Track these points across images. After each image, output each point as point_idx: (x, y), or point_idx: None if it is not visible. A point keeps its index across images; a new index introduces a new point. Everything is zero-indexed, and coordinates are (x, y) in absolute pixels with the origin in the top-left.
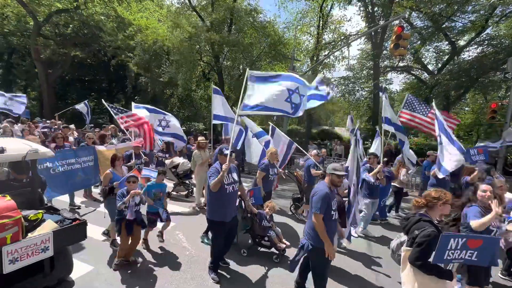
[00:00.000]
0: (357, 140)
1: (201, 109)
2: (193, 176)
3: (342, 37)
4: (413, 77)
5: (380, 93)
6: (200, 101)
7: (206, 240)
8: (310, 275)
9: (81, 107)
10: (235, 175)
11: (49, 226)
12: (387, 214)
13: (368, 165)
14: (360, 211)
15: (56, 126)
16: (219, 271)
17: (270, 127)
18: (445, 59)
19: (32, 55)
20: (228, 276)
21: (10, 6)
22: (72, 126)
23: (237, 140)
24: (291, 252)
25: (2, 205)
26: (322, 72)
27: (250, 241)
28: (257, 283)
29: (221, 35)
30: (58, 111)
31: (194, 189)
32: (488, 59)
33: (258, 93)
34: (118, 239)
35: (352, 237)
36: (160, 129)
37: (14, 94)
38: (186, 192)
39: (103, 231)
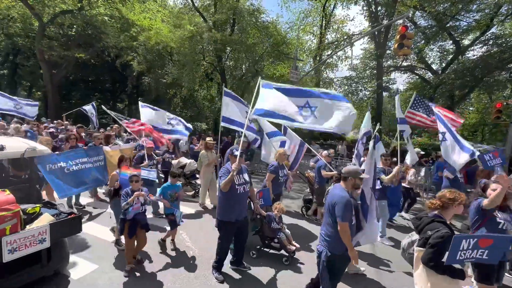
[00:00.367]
0: (376, 142)
1: (204, 109)
2: (198, 176)
3: (345, 37)
4: (417, 77)
5: (395, 95)
6: (202, 101)
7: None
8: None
9: (88, 108)
10: (246, 176)
11: (46, 219)
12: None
13: (381, 166)
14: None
15: (63, 127)
16: (228, 272)
17: (282, 127)
18: (449, 58)
19: (37, 56)
20: (237, 278)
21: (15, 7)
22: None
23: (254, 141)
24: (300, 255)
25: (2, 199)
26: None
27: (260, 243)
28: (266, 286)
29: (223, 34)
30: (63, 111)
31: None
32: (493, 58)
33: (271, 99)
34: (122, 238)
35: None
36: (170, 127)
37: (24, 99)
38: (193, 192)
39: (111, 227)
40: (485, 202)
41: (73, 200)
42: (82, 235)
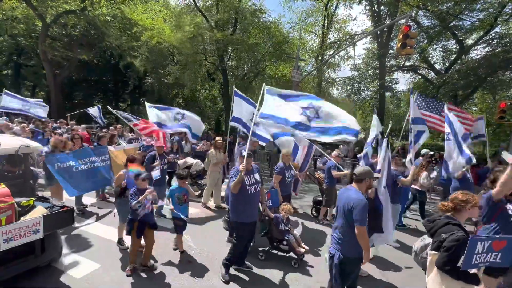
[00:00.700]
0: (388, 142)
1: (205, 108)
2: (206, 176)
3: (348, 37)
4: (420, 77)
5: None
6: (204, 101)
7: (233, 240)
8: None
9: (94, 110)
10: (257, 176)
11: (39, 211)
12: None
13: (394, 168)
14: None
15: (68, 126)
16: (236, 273)
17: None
18: (452, 58)
19: (40, 56)
20: (246, 279)
21: (19, 8)
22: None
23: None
24: (309, 258)
25: None
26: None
27: (268, 245)
28: None
29: (224, 34)
30: (65, 111)
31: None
32: (497, 58)
33: (275, 104)
34: (124, 238)
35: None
36: (176, 122)
37: (34, 100)
38: (199, 192)
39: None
40: (494, 191)
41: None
42: (85, 234)
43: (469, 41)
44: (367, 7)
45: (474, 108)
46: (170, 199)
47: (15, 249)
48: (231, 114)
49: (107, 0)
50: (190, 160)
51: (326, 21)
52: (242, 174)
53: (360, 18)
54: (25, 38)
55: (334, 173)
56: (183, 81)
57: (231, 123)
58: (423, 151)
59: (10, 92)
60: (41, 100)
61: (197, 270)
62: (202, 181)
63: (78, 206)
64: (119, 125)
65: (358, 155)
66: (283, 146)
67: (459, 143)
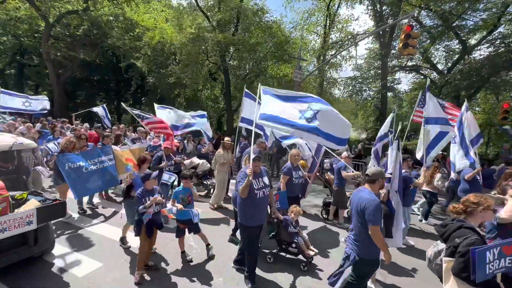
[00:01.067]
0: (399, 144)
1: (207, 108)
2: (213, 176)
3: (349, 37)
4: (422, 77)
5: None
6: (206, 101)
7: (235, 239)
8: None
9: (99, 111)
10: (265, 179)
11: (33, 204)
12: (425, 221)
13: (405, 170)
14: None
15: (72, 126)
16: (244, 275)
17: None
18: (455, 58)
19: (43, 56)
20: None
21: (22, 8)
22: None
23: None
24: (318, 260)
25: None
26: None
27: (276, 247)
28: None
29: (225, 34)
30: (68, 110)
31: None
32: (500, 58)
33: (273, 104)
34: (127, 237)
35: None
36: (187, 120)
37: (32, 96)
38: (205, 192)
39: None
40: (501, 215)
41: (87, 199)
42: (88, 233)
43: (472, 41)
44: (369, 7)
45: (477, 109)
46: (175, 201)
47: (10, 240)
48: (240, 115)
49: (110, 0)
50: (196, 160)
51: (328, 21)
52: (250, 178)
53: (362, 18)
54: (28, 38)
55: (344, 174)
56: (185, 80)
57: (240, 124)
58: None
59: (6, 90)
60: (40, 97)
61: (198, 270)
62: (208, 181)
63: (89, 205)
64: (122, 125)
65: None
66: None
67: (467, 147)
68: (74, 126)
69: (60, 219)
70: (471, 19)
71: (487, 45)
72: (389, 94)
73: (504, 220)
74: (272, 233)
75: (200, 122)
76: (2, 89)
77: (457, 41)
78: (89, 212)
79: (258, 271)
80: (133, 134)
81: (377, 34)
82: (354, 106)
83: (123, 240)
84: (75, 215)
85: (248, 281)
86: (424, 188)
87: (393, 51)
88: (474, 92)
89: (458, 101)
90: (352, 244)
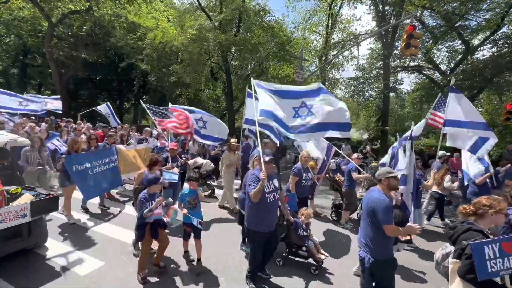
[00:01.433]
0: (412, 145)
1: (209, 108)
2: (220, 176)
3: (352, 37)
4: (425, 77)
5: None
6: (208, 100)
7: (245, 248)
8: None
9: (103, 108)
10: (276, 182)
11: (27, 198)
12: (428, 221)
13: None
14: None
15: (75, 125)
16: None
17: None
18: (458, 58)
19: (46, 56)
20: (263, 287)
21: (26, 8)
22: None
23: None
24: (329, 264)
25: None
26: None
27: (286, 250)
28: None
29: (227, 35)
30: (71, 110)
31: (222, 191)
32: (503, 59)
33: (268, 100)
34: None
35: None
36: (202, 130)
37: (30, 95)
38: (208, 192)
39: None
40: None
41: (98, 201)
42: (90, 232)
43: (475, 42)
44: (372, 7)
45: (480, 109)
46: (182, 204)
47: (5, 232)
48: (243, 116)
49: (112, 0)
50: (200, 160)
51: (330, 21)
52: (265, 182)
53: (365, 18)
54: (31, 38)
55: (355, 175)
56: (186, 80)
57: (244, 126)
58: (440, 153)
59: (3, 90)
60: (38, 96)
61: (200, 268)
62: (212, 181)
63: (100, 207)
64: (126, 124)
65: (381, 162)
66: (309, 145)
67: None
68: (76, 126)
69: (65, 220)
70: (474, 19)
71: (490, 45)
72: (391, 94)
73: None
74: (281, 236)
75: (213, 128)
76: (0, 89)
77: (460, 41)
78: (92, 211)
79: None
80: (136, 133)
81: (379, 34)
82: (356, 107)
83: (135, 245)
84: (82, 217)
85: (250, 281)
86: (434, 189)
87: (395, 51)
88: (477, 92)
89: None
90: (364, 246)
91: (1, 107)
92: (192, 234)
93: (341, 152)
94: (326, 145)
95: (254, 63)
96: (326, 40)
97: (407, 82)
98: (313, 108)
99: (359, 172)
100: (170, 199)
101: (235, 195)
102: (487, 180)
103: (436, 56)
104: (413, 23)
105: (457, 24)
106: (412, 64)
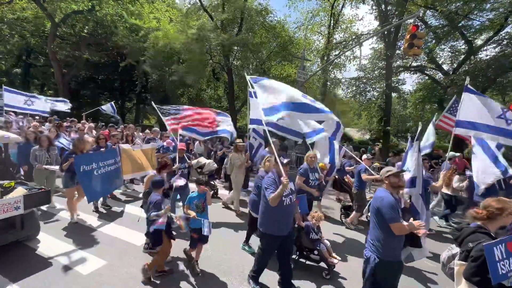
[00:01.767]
0: (419, 146)
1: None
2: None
3: (354, 37)
4: (427, 77)
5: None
6: (209, 100)
7: (247, 248)
8: None
9: (106, 108)
10: (291, 185)
11: (20, 191)
12: (446, 222)
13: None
14: None
15: (79, 125)
16: (262, 282)
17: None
18: (461, 58)
19: (49, 56)
20: None
21: (29, 9)
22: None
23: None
24: (340, 268)
25: None
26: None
27: (296, 253)
28: None
29: (229, 35)
30: (73, 110)
31: (225, 191)
32: (507, 59)
33: (266, 95)
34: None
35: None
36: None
37: (34, 94)
38: (211, 193)
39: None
40: None
41: (101, 200)
42: (93, 232)
43: (479, 42)
44: (374, 7)
45: None
46: (189, 207)
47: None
48: (248, 116)
49: (114, 0)
50: (203, 160)
51: (332, 21)
52: (288, 187)
53: (367, 18)
54: (34, 38)
55: (364, 176)
56: (188, 80)
57: (250, 126)
58: (450, 154)
59: (9, 88)
60: (42, 96)
61: (202, 269)
62: (215, 181)
63: (103, 206)
64: (132, 124)
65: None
66: (319, 148)
67: (493, 154)
68: (80, 125)
69: (69, 220)
70: (477, 19)
71: (494, 45)
72: (393, 94)
73: None
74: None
75: (226, 125)
76: (6, 87)
77: (463, 41)
78: (95, 211)
79: (277, 278)
80: (140, 134)
81: (382, 34)
82: (357, 107)
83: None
84: (85, 216)
85: (252, 281)
86: (444, 191)
87: (397, 52)
88: (481, 93)
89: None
90: (371, 245)
91: (7, 106)
92: (200, 241)
93: (350, 153)
94: (337, 147)
95: (256, 63)
96: (328, 40)
97: (409, 82)
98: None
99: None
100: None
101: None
102: (495, 182)
103: (438, 56)
104: (416, 23)
105: (460, 24)
106: (414, 64)
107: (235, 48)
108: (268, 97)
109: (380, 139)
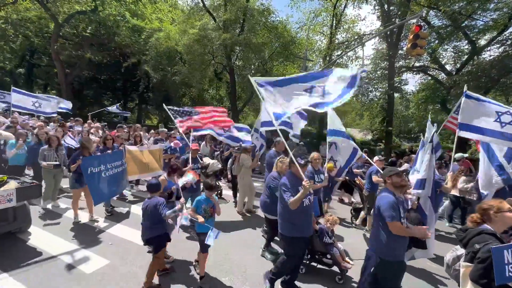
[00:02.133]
0: (433, 147)
1: None
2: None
3: (356, 37)
4: (430, 78)
5: (465, 98)
6: (211, 100)
7: (267, 255)
8: None
9: (112, 110)
10: None
11: (12, 185)
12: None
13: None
14: None
15: (85, 125)
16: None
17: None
18: (464, 59)
19: (52, 56)
20: None
21: (33, 9)
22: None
23: (261, 147)
24: (353, 272)
25: None
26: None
27: (307, 257)
28: None
29: (231, 34)
30: (76, 110)
31: (228, 191)
32: (510, 59)
33: (276, 98)
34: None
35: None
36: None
37: (43, 95)
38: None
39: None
40: None
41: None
42: (97, 232)
43: (482, 42)
44: (377, 7)
45: None
46: (195, 210)
47: None
48: (258, 120)
49: (117, 1)
50: (207, 160)
51: (334, 21)
52: (310, 190)
53: (369, 18)
54: (38, 39)
55: (375, 178)
56: (191, 81)
57: (262, 129)
58: (458, 155)
59: (17, 89)
60: (52, 97)
61: (206, 271)
62: (219, 182)
63: (106, 207)
64: (138, 125)
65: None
66: (342, 152)
67: (498, 161)
68: (87, 127)
69: (77, 220)
70: (481, 19)
71: (498, 45)
72: (396, 95)
73: None
74: None
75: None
76: (15, 88)
77: (466, 41)
78: (97, 211)
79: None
80: (146, 134)
81: (385, 34)
82: (360, 107)
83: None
84: (100, 219)
85: (269, 283)
86: (452, 192)
87: (400, 52)
88: (484, 93)
89: None
90: (373, 245)
91: (15, 106)
92: (202, 248)
93: (365, 156)
94: (351, 148)
95: (258, 63)
96: (330, 40)
97: (412, 82)
98: (326, 87)
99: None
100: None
101: (245, 200)
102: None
103: (441, 56)
104: (419, 23)
105: (464, 24)
106: (417, 64)
107: (237, 48)
108: (277, 104)
109: (382, 140)
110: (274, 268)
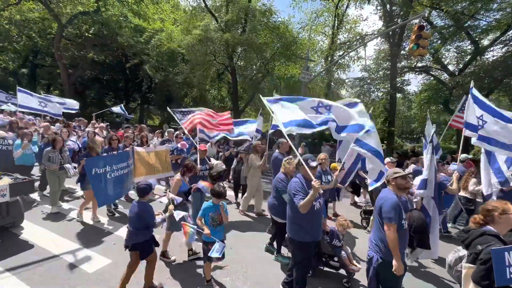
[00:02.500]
0: (434, 147)
1: (214, 109)
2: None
3: (358, 37)
4: (432, 78)
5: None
6: (213, 101)
7: (280, 259)
8: None
9: (116, 110)
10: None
11: (6, 181)
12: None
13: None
14: None
15: (95, 125)
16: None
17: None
18: (467, 59)
19: (55, 56)
20: None
21: (36, 10)
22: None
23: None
24: (360, 275)
25: None
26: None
27: (314, 259)
28: None
29: (232, 34)
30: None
31: (232, 192)
32: None
33: (286, 111)
34: (169, 250)
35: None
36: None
37: (49, 95)
38: None
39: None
40: None
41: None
42: (99, 231)
43: (485, 42)
44: (379, 7)
45: None
46: (203, 219)
47: None
48: (270, 123)
49: (119, 1)
50: (213, 161)
51: (336, 22)
52: (320, 191)
53: (371, 18)
54: (41, 39)
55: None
56: (192, 81)
57: (271, 131)
58: (463, 156)
59: (23, 89)
60: (58, 98)
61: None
62: (223, 183)
63: (108, 208)
64: (144, 125)
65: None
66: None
67: (497, 164)
68: (91, 127)
69: (81, 219)
70: (484, 19)
71: (501, 46)
72: (398, 95)
73: None
74: None
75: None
76: (20, 88)
77: (469, 41)
78: (100, 210)
79: (284, 278)
80: (150, 134)
81: (387, 34)
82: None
83: (165, 254)
84: (104, 220)
85: None
86: (461, 194)
87: (402, 52)
88: (487, 94)
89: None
90: (374, 246)
91: (21, 106)
92: (205, 257)
93: (375, 159)
94: (354, 158)
95: (259, 63)
96: (332, 40)
97: (414, 83)
98: (332, 109)
99: None
100: (186, 213)
101: (251, 202)
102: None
103: (444, 56)
104: (422, 23)
105: (466, 24)
106: (419, 64)
107: (239, 48)
108: (286, 112)
109: (384, 140)
110: (295, 285)
